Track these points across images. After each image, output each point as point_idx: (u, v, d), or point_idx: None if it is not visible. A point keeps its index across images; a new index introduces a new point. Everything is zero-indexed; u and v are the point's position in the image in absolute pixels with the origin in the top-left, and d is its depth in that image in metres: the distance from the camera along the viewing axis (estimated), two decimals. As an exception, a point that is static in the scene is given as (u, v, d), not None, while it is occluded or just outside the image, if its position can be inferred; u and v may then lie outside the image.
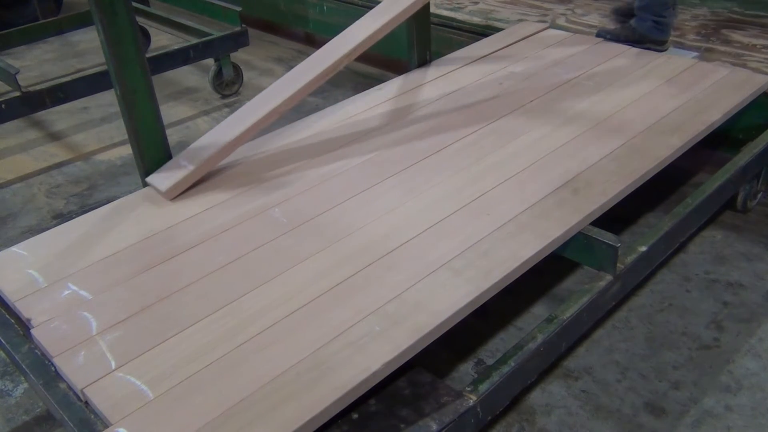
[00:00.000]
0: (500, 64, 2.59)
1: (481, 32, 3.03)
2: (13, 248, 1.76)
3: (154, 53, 3.26)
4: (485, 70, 2.55)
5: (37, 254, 1.72)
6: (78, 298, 1.57)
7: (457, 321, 1.46)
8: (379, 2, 2.30)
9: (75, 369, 1.37)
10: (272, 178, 1.98)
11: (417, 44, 2.67)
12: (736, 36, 2.78)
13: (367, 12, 2.26)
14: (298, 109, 2.52)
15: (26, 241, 1.79)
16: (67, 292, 1.59)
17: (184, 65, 3.40)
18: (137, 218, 1.84)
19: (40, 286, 1.62)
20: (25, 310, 1.54)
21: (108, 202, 1.93)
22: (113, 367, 1.37)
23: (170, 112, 3.47)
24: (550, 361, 1.63)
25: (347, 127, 2.23)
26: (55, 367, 1.42)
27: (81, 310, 1.52)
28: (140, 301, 1.54)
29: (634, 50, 2.62)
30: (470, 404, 1.37)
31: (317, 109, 2.42)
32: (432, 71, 2.58)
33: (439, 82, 2.49)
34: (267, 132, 2.21)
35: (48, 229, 1.83)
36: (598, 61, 2.55)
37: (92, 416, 1.31)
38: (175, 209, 1.87)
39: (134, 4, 1.88)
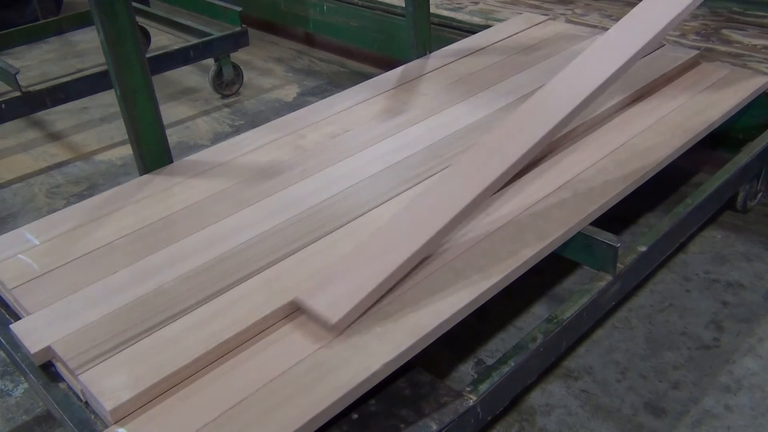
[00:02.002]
0: (500, 63, 2.59)
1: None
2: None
3: (154, 53, 3.26)
4: (485, 69, 2.55)
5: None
6: (77, 297, 1.56)
7: (457, 321, 1.46)
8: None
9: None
10: (272, 175, 1.98)
11: (417, 44, 2.68)
12: (736, 36, 2.78)
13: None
14: (298, 106, 2.53)
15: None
16: (65, 291, 1.59)
17: (184, 65, 3.40)
18: (135, 210, 1.85)
19: (40, 285, 1.61)
20: (24, 310, 1.54)
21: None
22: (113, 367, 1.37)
23: (170, 112, 3.47)
24: (550, 361, 1.63)
25: (347, 126, 2.23)
26: (55, 367, 1.42)
27: (80, 308, 1.52)
28: (140, 300, 1.53)
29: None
30: (470, 404, 1.37)
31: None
32: (431, 64, 2.57)
33: (439, 82, 2.49)
34: (266, 128, 2.21)
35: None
36: (598, 61, 2.55)
37: (92, 416, 1.31)
38: (173, 200, 1.87)
39: (134, 4, 1.88)
